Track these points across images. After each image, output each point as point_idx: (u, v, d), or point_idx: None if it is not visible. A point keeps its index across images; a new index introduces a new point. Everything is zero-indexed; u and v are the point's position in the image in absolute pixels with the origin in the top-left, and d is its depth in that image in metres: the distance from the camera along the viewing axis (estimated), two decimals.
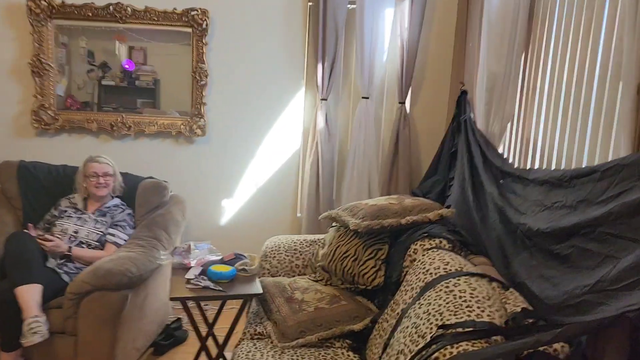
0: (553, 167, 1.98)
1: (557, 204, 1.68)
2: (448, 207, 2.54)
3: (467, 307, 1.51)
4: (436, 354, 1.36)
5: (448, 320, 1.48)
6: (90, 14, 3.14)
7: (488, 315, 1.47)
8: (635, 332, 1.19)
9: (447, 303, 1.56)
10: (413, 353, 1.47)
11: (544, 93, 2.15)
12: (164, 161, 3.35)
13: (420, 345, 1.46)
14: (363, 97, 3.26)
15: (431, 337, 1.45)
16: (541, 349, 1.33)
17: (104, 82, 3.30)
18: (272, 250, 2.64)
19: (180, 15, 3.17)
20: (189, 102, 3.30)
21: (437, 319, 1.51)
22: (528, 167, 2.19)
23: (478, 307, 1.50)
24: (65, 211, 2.73)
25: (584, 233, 1.50)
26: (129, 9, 3.13)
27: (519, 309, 1.56)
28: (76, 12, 3.14)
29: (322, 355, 1.95)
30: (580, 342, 1.35)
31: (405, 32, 3.17)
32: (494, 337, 1.39)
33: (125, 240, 2.67)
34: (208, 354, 2.24)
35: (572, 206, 1.59)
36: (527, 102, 2.29)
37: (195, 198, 3.34)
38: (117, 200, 2.84)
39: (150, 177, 3.05)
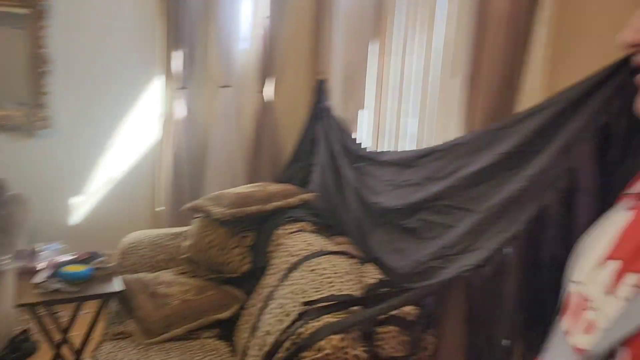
0: (403, 149, 2.15)
1: (406, 182, 1.84)
2: (311, 192, 2.62)
3: (328, 283, 1.59)
4: (300, 329, 1.41)
5: (311, 297, 1.54)
6: None
7: (348, 289, 1.56)
8: (470, 289, 1.36)
9: (311, 281, 1.63)
10: (280, 331, 1.51)
11: (390, 81, 2.32)
12: (1, 156, 2.99)
13: (286, 323, 1.51)
14: (224, 86, 3.23)
15: (295, 312, 1.50)
16: (394, 313, 1.45)
17: None
18: (132, 247, 2.51)
19: None
20: (26, 92, 2.98)
21: (301, 297, 1.57)
22: (383, 150, 2.35)
23: (339, 282, 1.59)
24: None
25: (428, 207, 1.66)
26: None
27: (374, 281, 1.68)
28: None
29: (190, 347, 1.92)
30: (427, 304, 1.50)
31: (266, 21, 3.19)
32: (354, 308, 1.48)
33: None
34: None
35: (419, 183, 1.75)
36: (379, 90, 2.46)
37: (42, 196, 3.03)
38: None
39: None
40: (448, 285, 1.41)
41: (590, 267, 0.59)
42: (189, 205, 2.45)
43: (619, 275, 0.52)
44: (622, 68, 1.05)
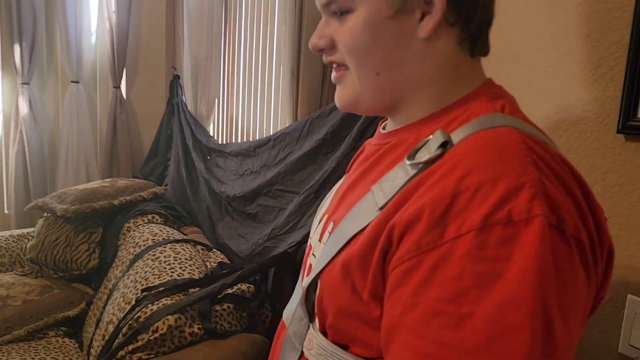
0: (251, 140, 2.27)
1: (247, 171, 1.96)
2: (166, 186, 2.65)
3: (170, 269, 1.66)
4: (138, 314, 1.47)
5: (152, 283, 1.60)
6: None
7: (189, 273, 1.64)
8: (295, 264, 1.51)
9: (153, 269, 1.68)
10: (120, 319, 1.55)
11: (240, 76, 2.43)
12: None
13: (126, 310, 1.55)
14: (73, 82, 3.11)
15: (136, 300, 1.55)
16: (231, 291, 1.56)
17: None
18: None
19: None
20: None
21: (142, 285, 1.62)
22: (233, 142, 2.45)
23: (180, 267, 1.66)
24: None
25: (265, 192, 1.80)
26: None
27: (216, 264, 1.77)
28: None
29: (34, 347, 1.87)
30: (262, 281, 1.63)
31: (113, 15, 3.12)
32: (192, 290, 1.56)
33: None
34: None
35: (257, 171, 1.88)
36: (229, 84, 2.55)
37: None
38: None
39: None
40: (276, 262, 1.54)
41: (316, 223, 0.73)
42: (32, 204, 2.36)
43: (325, 225, 0.67)
44: None
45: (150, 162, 3.09)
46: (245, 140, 2.44)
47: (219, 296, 1.54)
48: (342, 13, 0.61)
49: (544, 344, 0.42)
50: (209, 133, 2.52)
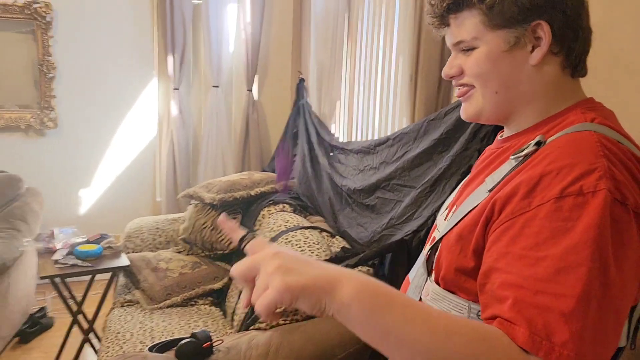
0: (369, 138, 2.48)
1: (367, 167, 2.17)
2: (292, 179, 2.96)
3: (300, 251, 1.93)
4: None
5: None
6: None
7: (316, 256, 1.90)
8: (409, 250, 1.69)
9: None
10: None
11: (360, 79, 2.65)
12: (16, 155, 3.32)
13: None
14: (213, 86, 3.55)
15: None
16: None
17: None
18: (135, 231, 2.84)
19: (22, 8, 3.15)
20: (33, 94, 3.29)
21: None
22: (352, 140, 2.68)
23: (308, 250, 1.92)
24: None
25: (384, 186, 2.00)
26: None
27: (339, 249, 2.01)
28: None
29: (188, 312, 2.25)
30: (379, 265, 1.83)
31: (248, 26, 3.50)
32: None
33: None
34: (81, 329, 2.39)
35: (376, 167, 2.08)
36: (350, 87, 2.78)
37: (54, 189, 3.36)
38: None
39: (2, 171, 3.03)
40: (394, 247, 1.74)
41: (442, 210, 0.93)
42: (184, 192, 2.78)
43: (449, 210, 0.87)
44: None
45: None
46: (363, 138, 2.66)
47: None
48: (469, 49, 0.80)
49: (600, 279, 0.58)
50: (331, 132, 2.77)
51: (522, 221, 0.64)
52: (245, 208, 2.62)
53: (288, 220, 2.22)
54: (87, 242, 2.42)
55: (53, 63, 3.27)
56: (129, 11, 3.41)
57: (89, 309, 2.50)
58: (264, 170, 3.45)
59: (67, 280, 2.46)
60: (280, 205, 2.49)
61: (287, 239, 2.05)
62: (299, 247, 1.95)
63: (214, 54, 3.49)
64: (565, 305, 0.57)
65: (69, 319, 2.40)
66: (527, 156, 0.71)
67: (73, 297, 2.47)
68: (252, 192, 2.57)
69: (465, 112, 0.85)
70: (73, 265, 2.24)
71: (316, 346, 1.59)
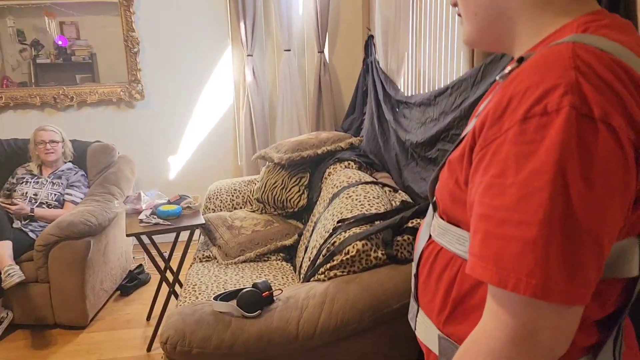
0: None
1: (428, 119, 2.11)
2: (362, 137, 2.95)
3: (360, 205, 1.94)
4: (334, 239, 1.78)
5: (344, 215, 1.90)
6: None
7: (376, 209, 1.90)
8: None
9: (346, 205, 1.98)
10: (320, 244, 1.90)
11: (427, 30, 2.55)
12: (110, 126, 3.62)
13: (325, 237, 1.88)
14: (285, 50, 3.59)
15: (332, 229, 1.87)
16: (411, 225, 1.77)
17: (38, 61, 3.47)
18: (214, 193, 3.01)
19: None
20: (125, 70, 3.55)
21: (337, 217, 1.93)
22: (420, 93, 2.61)
23: (368, 204, 1.93)
24: (23, 178, 3.00)
25: (443, 137, 1.94)
26: None
27: (399, 203, 2.00)
28: None
29: (260, 267, 2.37)
30: None
31: None
32: (377, 222, 1.82)
33: (81, 198, 2.99)
34: (167, 283, 2.61)
35: (437, 118, 2.02)
36: (417, 40, 2.69)
37: (144, 156, 3.64)
38: (69, 164, 3.12)
39: (98, 141, 3.33)
40: None
41: None
42: (257, 154, 2.89)
43: None
44: None
45: (350, 117, 3.43)
46: (431, 90, 2.57)
47: (401, 228, 1.76)
48: None
49: (563, 202, 0.54)
50: (397, 87, 2.71)
51: (494, 148, 0.60)
52: (314, 167, 2.67)
53: (350, 177, 2.23)
54: (169, 202, 2.60)
55: (137, 38, 3.49)
56: None
57: (176, 265, 2.72)
58: (336, 130, 3.48)
59: (156, 239, 2.67)
60: (345, 163, 2.50)
61: (348, 194, 2.07)
62: (359, 201, 1.97)
63: (284, 18, 3.52)
64: (528, 232, 0.55)
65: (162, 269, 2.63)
66: (509, 74, 0.65)
67: (161, 255, 2.69)
68: (319, 151, 2.61)
69: (463, 38, 0.80)
70: (156, 224, 2.43)
71: (372, 296, 1.62)
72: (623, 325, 0.72)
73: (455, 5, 0.80)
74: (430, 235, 0.84)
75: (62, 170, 3.06)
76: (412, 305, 0.91)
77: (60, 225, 2.57)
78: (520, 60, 0.65)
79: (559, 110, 0.55)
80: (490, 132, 0.61)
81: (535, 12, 0.69)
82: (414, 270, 0.90)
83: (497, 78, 0.69)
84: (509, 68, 0.67)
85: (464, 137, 0.72)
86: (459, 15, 0.79)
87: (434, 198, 0.84)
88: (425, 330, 0.85)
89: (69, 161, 3.15)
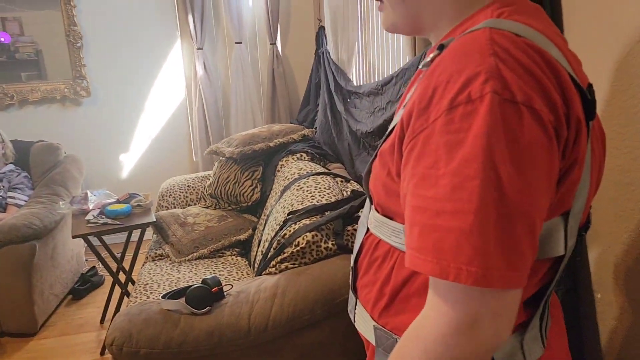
0: None
1: (376, 108, 2.11)
2: (315, 128, 2.94)
3: (311, 196, 1.93)
4: (284, 231, 1.77)
5: (295, 207, 1.88)
6: None
7: (326, 200, 1.89)
8: None
9: (297, 197, 1.97)
10: (271, 237, 1.88)
11: (375, 19, 2.55)
12: (55, 125, 3.49)
13: (276, 230, 1.87)
14: (237, 43, 3.54)
15: (283, 221, 1.85)
16: (360, 214, 1.77)
17: None
18: (167, 190, 2.94)
19: None
20: (67, 66, 3.41)
21: (288, 209, 1.91)
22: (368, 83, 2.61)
23: (319, 195, 1.92)
24: None
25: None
26: None
27: (349, 193, 1.99)
28: None
29: (214, 263, 2.33)
30: None
31: None
32: (327, 212, 1.81)
33: (25, 200, 2.87)
34: (120, 284, 2.54)
35: (384, 107, 2.02)
36: (365, 30, 2.69)
37: (93, 155, 3.53)
38: (10, 166, 2.99)
39: (41, 141, 3.20)
40: None
41: None
42: (208, 149, 2.84)
43: None
44: None
45: (305, 108, 3.41)
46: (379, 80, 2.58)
47: (351, 217, 1.76)
48: None
49: (496, 188, 0.54)
50: (348, 77, 2.71)
51: (422, 139, 0.59)
52: (267, 160, 2.64)
53: (302, 168, 2.22)
54: (117, 201, 2.53)
55: (79, 32, 3.36)
56: None
57: (129, 265, 2.64)
58: (291, 123, 3.45)
59: (107, 240, 2.59)
60: (298, 155, 2.49)
61: (299, 185, 2.05)
62: (310, 192, 1.96)
63: (233, 9, 3.46)
64: (464, 222, 0.54)
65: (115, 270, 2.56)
66: (431, 62, 0.65)
67: (113, 255, 2.61)
68: (271, 144, 2.58)
69: (383, 24, 0.80)
70: (104, 224, 2.36)
71: (323, 287, 1.61)
72: (549, 302, 0.73)
73: None
74: (367, 228, 0.83)
75: (4, 173, 2.93)
76: (351, 297, 0.91)
77: (1, 230, 2.46)
78: (441, 47, 0.65)
79: (482, 97, 0.55)
80: (418, 123, 0.60)
81: (450, 5, 0.70)
82: (352, 263, 0.90)
83: (420, 66, 0.69)
84: (430, 56, 0.66)
85: (393, 128, 0.71)
86: (379, 5, 0.79)
87: (369, 190, 0.83)
88: (363, 322, 0.84)
89: (10, 162, 3.01)
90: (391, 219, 0.75)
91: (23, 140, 3.16)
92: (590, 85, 0.68)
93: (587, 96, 0.62)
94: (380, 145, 0.75)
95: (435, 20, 0.73)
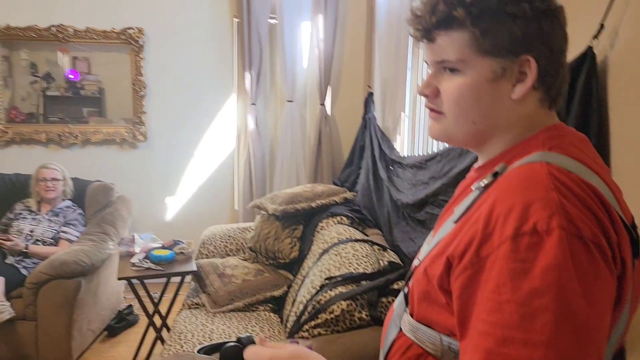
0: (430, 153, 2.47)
1: (419, 181, 2.17)
2: (354, 192, 3.01)
3: (348, 263, 1.97)
4: (320, 296, 1.81)
5: (332, 273, 1.93)
6: (35, 35, 3.45)
7: (363, 268, 1.93)
8: None
9: (335, 262, 2.02)
10: (307, 300, 1.92)
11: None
12: (111, 165, 3.69)
13: (312, 293, 1.91)
14: (288, 101, 3.70)
15: (319, 286, 1.90)
16: (397, 286, 1.80)
17: (48, 93, 3.56)
18: (208, 238, 3.04)
19: (118, 34, 3.52)
20: (131, 110, 3.65)
21: (325, 274, 1.96)
22: (414, 154, 2.68)
23: (356, 262, 1.96)
24: (21, 213, 3.05)
25: (432, 202, 1.99)
26: (70, 29, 3.46)
27: (386, 263, 2.03)
28: (21, 34, 3.44)
29: (248, 317, 2.38)
30: None
31: (321, 43, 3.62)
32: (363, 282, 1.85)
33: (77, 236, 3.02)
34: (155, 328, 2.61)
35: (426, 182, 2.08)
36: (414, 101, 2.79)
37: (142, 197, 3.69)
38: (68, 202, 3.17)
39: (98, 181, 3.39)
40: None
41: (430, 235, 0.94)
42: (252, 203, 2.94)
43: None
44: None
45: (347, 169, 3.50)
46: (424, 153, 2.65)
47: (386, 290, 1.79)
48: (452, 71, 0.76)
49: (569, 321, 0.56)
50: (392, 145, 2.79)
51: (486, 265, 0.63)
52: (308, 219, 2.72)
53: (341, 233, 2.27)
54: (162, 247, 2.64)
55: (144, 82, 3.60)
56: (212, 33, 3.67)
57: (166, 308, 2.72)
58: (334, 183, 3.54)
59: (146, 281, 2.69)
60: (338, 218, 2.55)
61: (337, 251, 2.10)
62: (347, 259, 2.00)
63: (288, 70, 3.64)
64: (536, 353, 0.56)
65: (151, 312, 2.64)
66: (486, 187, 0.71)
67: (151, 298, 2.70)
68: (313, 204, 2.66)
69: (432, 132, 0.83)
70: (147, 269, 2.46)
71: (353, 357, 1.63)
72: None
73: (425, 96, 0.82)
74: (400, 329, 0.85)
75: (61, 208, 3.11)
76: None
77: (52, 264, 2.60)
78: (495, 175, 0.71)
79: (550, 231, 0.59)
80: (483, 249, 0.63)
81: (521, 126, 0.76)
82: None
83: (473, 188, 0.74)
84: (485, 181, 0.72)
85: (438, 242, 0.75)
86: (434, 111, 0.81)
87: (407, 290, 0.85)
88: None
89: (68, 199, 3.20)
90: (428, 326, 0.77)
91: (81, 179, 3.35)
92: (633, 222, 0.72)
93: (634, 235, 0.67)
94: (426, 255, 0.78)
95: (494, 141, 0.78)
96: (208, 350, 1.73)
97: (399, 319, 0.87)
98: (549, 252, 0.58)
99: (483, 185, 0.72)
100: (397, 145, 2.88)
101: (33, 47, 3.50)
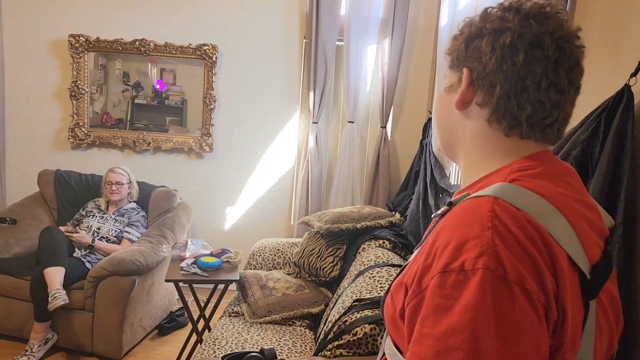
0: None
1: None
2: (406, 217, 2.98)
3: (380, 287, 1.96)
4: (346, 318, 1.81)
5: (363, 295, 1.93)
6: (120, 48, 3.75)
7: None
8: None
9: (367, 285, 2.01)
10: (335, 320, 1.93)
11: None
12: (177, 173, 3.91)
13: (341, 313, 1.92)
14: (349, 122, 3.75)
15: (348, 307, 1.90)
16: None
17: (136, 101, 3.86)
18: (258, 250, 3.13)
19: (194, 50, 3.74)
20: (200, 122, 3.85)
21: (356, 296, 1.96)
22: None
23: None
24: (91, 211, 3.30)
25: None
26: (151, 44, 3.73)
27: None
28: (108, 46, 3.76)
29: (283, 330, 2.42)
30: None
31: (385, 66, 3.65)
32: None
33: (138, 237, 3.22)
34: (197, 332, 2.72)
35: None
36: None
37: (203, 205, 3.87)
38: (133, 204, 3.40)
39: (163, 186, 3.60)
40: None
41: None
42: (301, 219, 2.99)
43: None
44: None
45: (401, 194, 3.48)
46: None
47: None
48: None
49: None
50: (444, 173, 2.74)
51: (425, 295, 0.64)
52: (352, 240, 2.73)
53: (379, 256, 2.26)
54: (211, 254, 2.75)
55: (214, 96, 3.80)
56: (281, 52, 3.81)
57: (209, 313, 2.83)
58: (387, 205, 3.53)
59: (195, 286, 2.81)
60: (380, 241, 2.53)
61: (371, 274, 2.10)
62: (380, 283, 1.99)
63: (351, 91, 3.70)
64: None
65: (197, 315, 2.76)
66: (442, 216, 0.71)
67: (198, 303, 2.82)
68: (358, 225, 2.67)
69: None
70: (193, 274, 2.57)
71: None
72: None
73: None
74: (384, 353, 0.86)
75: (126, 209, 3.33)
76: None
77: (112, 261, 2.78)
78: (450, 204, 0.71)
79: (475, 271, 0.59)
80: (424, 280, 0.65)
81: (479, 149, 0.76)
82: None
83: (432, 215, 0.76)
84: (441, 209, 0.73)
85: (402, 270, 0.77)
86: None
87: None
88: None
89: (134, 201, 3.42)
90: (400, 351, 0.78)
91: (148, 183, 3.58)
92: (600, 261, 0.69)
93: (587, 277, 0.64)
94: (394, 279, 0.80)
95: (466, 165, 0.79)
96: (232, 358, 1.79)
97: (384, 342, 0.88)
98: (470, 292, 0.58)
99: (439, 214, 0.72)
100: (451, 175, 2.83)
101: (126, 58, 3.80)
